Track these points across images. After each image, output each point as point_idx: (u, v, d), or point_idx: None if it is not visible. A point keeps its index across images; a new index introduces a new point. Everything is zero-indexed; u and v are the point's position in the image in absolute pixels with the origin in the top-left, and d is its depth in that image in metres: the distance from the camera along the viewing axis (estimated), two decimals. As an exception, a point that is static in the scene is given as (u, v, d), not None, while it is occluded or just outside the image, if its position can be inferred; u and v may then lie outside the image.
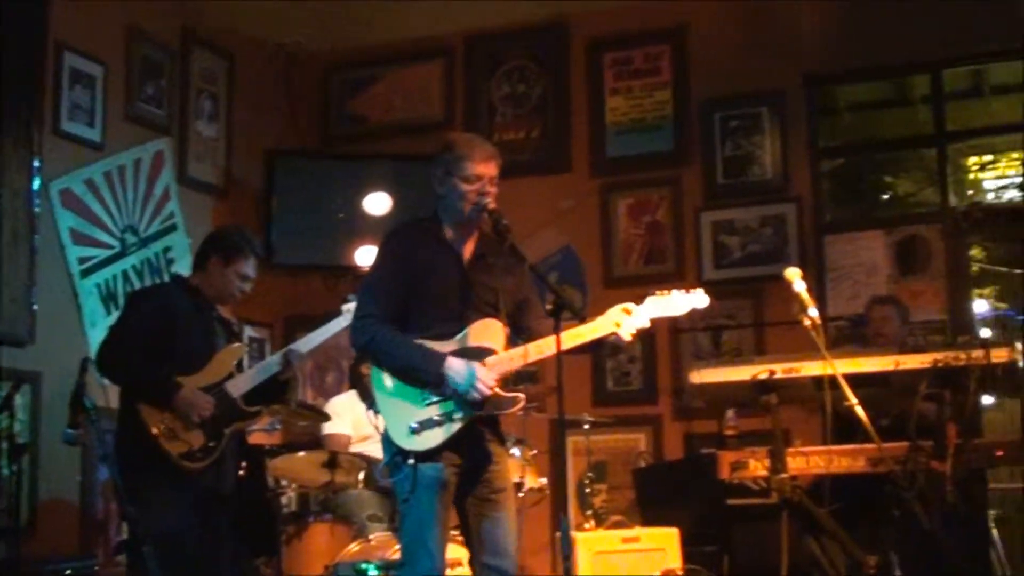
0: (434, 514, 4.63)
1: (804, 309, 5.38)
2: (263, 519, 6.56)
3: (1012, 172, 10.12)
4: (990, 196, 10.32)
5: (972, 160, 10.36)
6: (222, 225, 7.42)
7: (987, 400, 9.38)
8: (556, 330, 4.50)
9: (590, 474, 7.47)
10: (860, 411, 5.21)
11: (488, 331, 4.74)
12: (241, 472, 6.87)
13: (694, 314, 8.09)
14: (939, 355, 5.57)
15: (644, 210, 8.81)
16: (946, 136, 8.54)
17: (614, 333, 4.72)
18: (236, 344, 6.04)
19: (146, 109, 8.35)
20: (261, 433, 7.12)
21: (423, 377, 4.63)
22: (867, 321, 7.07)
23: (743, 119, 8.64)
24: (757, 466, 5.88)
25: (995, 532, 9.03)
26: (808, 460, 5.87)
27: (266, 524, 6.54)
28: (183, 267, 8.25)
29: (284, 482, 6.83)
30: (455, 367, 4.60)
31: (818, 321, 5.33)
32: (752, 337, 8.29)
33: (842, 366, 5.58)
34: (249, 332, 8.97)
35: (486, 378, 4.58)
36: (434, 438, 4.63)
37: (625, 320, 4.73)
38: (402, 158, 9.02)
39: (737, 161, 8.63)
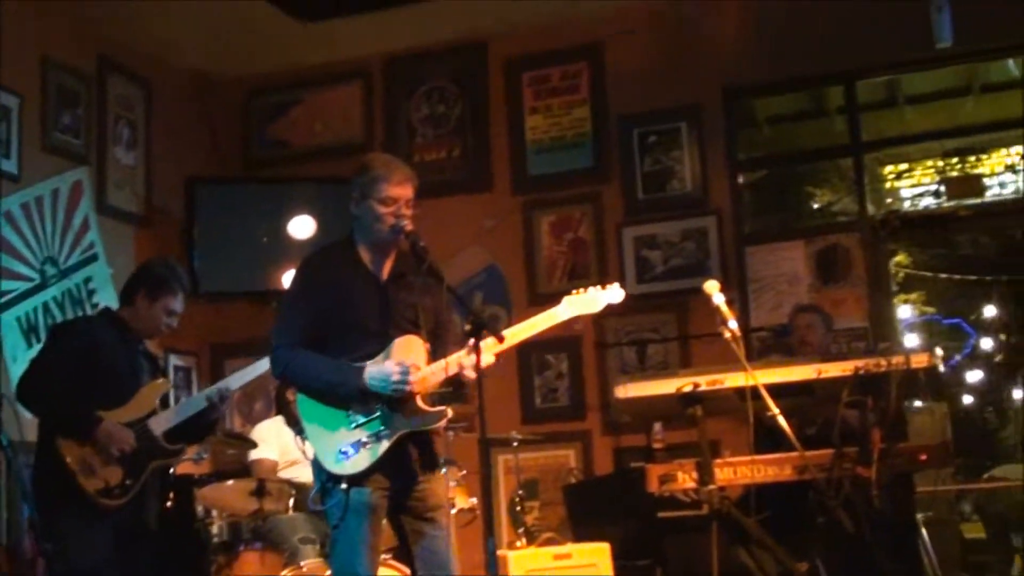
0: (363, 539, 4.64)
1: (724, 321, 5.43)
2: (192, 551, 6.51)
3: (927, 180, 10.30)
4: (907, 204, 10.49)
5: (888, 169, 10.53)
6: (150, 259, 7.28)
7: (916, 404, 9.54)
8: (476, 350, 4.51)
9: (520, 492, 7.48)
10: (782, 421, 5.23)
11: (410, 347, 4.76)
12: (169, 503, 6.87)
13: (619, 329, 8.37)
14: (860, 362, 5.62)
15: (566, 227, 8.85)
16: (861, 146, 8.65)
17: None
18: (161, 380, 5.93)
19: (63, 139, 8.26)
20: (188, 463, 7.06)
21: (345, 392, 4.66)
22: (791, 330, 7.10)
23: (661, 134, 8.71)
24: (685, 478, 5.86)
25: (925, 534, 9.18)
26: (735, 470, 5.85)
27: (195, 556, 6.48)
28: (104, 297, 8.25)
29: (214, 512, 6.80)
30: (374, 371, 4.64)
31: (738, 333, 5.38)
32: (678, 350, 8.34)
33: (765, 376, 5.64)
34: (175, 361, 8.91)
35: (403, 369, 4.61)
36: (363, 460, 4.65)
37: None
38: (324, 181, 8.97)
39: (656, 176, 8.69)
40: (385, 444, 4.66)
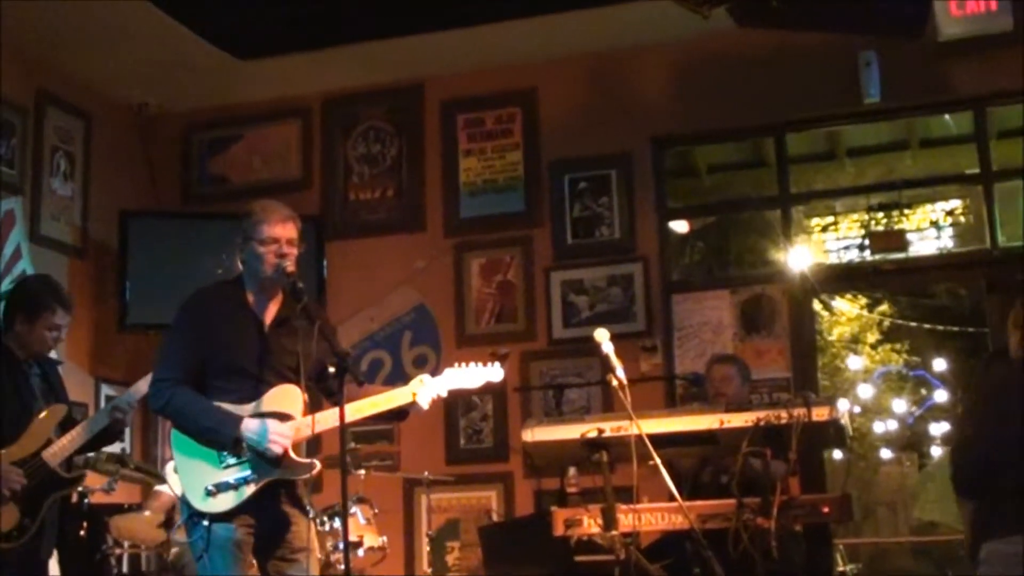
0: (228, 574, 4.68)
1: (612, 369, 5.48)
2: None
3: (853, 233, 10.40)
4: (832, 257, 10.59)
5: (815, 222, 10.63)
6: (23, 279, 7.30)
7: (887, 456, 9.64)
8: (340, 393, 4.61)
9: (429, 532, 7.49)
10: (663, 470, 5.28)
11: (285, 397, 4.85)
12: (82, 532, 6.84)
13: (544, 373, 8.42)
14: (761, 413, 5.66)
15: (496, 269, 8.90)
16: (789, 198, 8.73)
17: (412, 402, 4.87)
18: (55, 406, 5.84)
19: (-5, 168, 8.29)
20: (100, 492, 7.05)
21: (219, 439, 4.72)
22: (707, 380, 7.17)
23: (591, 181, 8.77)
24: (591, 523, 5.91)
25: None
26: (640, 517, 5.86)
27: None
28: None
29: (125, 543, 6.81)
30: (251, 426, 4.70)
31: (624, 382, 5.43)
32: (600, 395, 8.39)
33: (671, 424, 5.74)
34: (106, 391, 8.92)
35: (282, 432, 4.67)
36: (228, 501, 4.74)
37: (422, 391, 4.91)
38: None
39: (586, 222, 8.75)
40: (252, 488, 4.75)
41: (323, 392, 5.07)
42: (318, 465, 4.85)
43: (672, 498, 6.45)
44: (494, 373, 5.13)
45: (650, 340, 8.41)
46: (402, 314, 9.00)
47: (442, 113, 9.23)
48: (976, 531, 5.07)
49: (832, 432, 5.89)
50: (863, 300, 14.47)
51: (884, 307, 14.85)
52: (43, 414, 5.74)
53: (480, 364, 5.15)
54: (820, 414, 5.65)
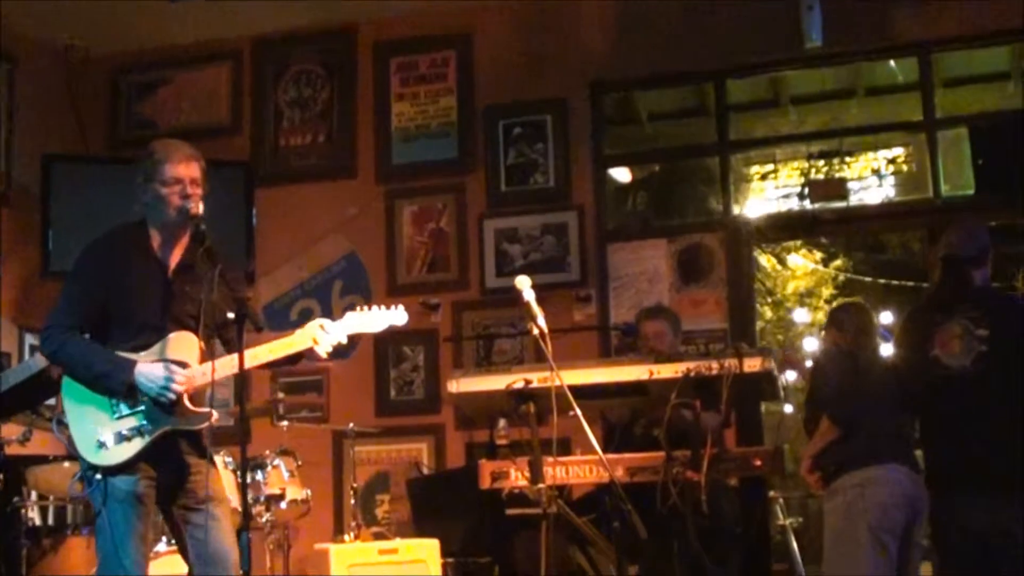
0: (131, 529, 4.53)
1: (533, 318, 5.32)
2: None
3: (793, 181, 10.28)
4: (772, 205, 10.45)
5: (755, 170, 10.49)
6: None
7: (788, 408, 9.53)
8: (239, 339, 4.44)
9: (354, 485, 7.32)
10: (584, 421, 5.14)
11: (181, 344, 4.66)
12: None
13: (477, 323, 8.27)
14: (692, 364, 5.54)
15: (428, 217, 8.70)
16: (727, 145, 8.56)
17: (310, 348, 4.69)
18: None
19: (-88, 111, 8.03)
20: (15, 444, 6.85)
21: (113, 385, 4.54)
22: (637, 333, 7.02)
23: (527, 127, 8.58)
24: (517, 476, 5.78)
25: (793, 541, 9.15)
26: (567, 470, 5.76)
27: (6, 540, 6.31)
28: None
29: (34, 495, 6.63)
30: (144, 371, 4.52)
31: (545, 330, 5.27)
32: (534, 347, 8.20)
33: (598, 375, 5.63)
34: (30, 340, 8.69)
35: (177, 378, 4.50)
36: (123, 452, 4.56)
37: (321, 336, 4.75)
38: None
39: (520, 169, 8.56)
40: (146, 439, 4.57)
41: (223, 341, 4.88)
42: (216, 414, 4.65)
43: (606, 450, 6.42)
44: (397, 316, 4.94)
45: (584, 290, 8.24)
46: (332, 263, 8.80)
47: (375, 56, 8.99)
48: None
49: (765, 384, 5.81)
50: (818, 255, 14.37)
51: (839, 262, 14.78)
52: None
53: (383, 307, 4.93)
54: (752, 365, 5.53)
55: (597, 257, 8.41)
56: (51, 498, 6.70)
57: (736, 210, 8.53)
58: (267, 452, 6.98)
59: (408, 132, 8.83)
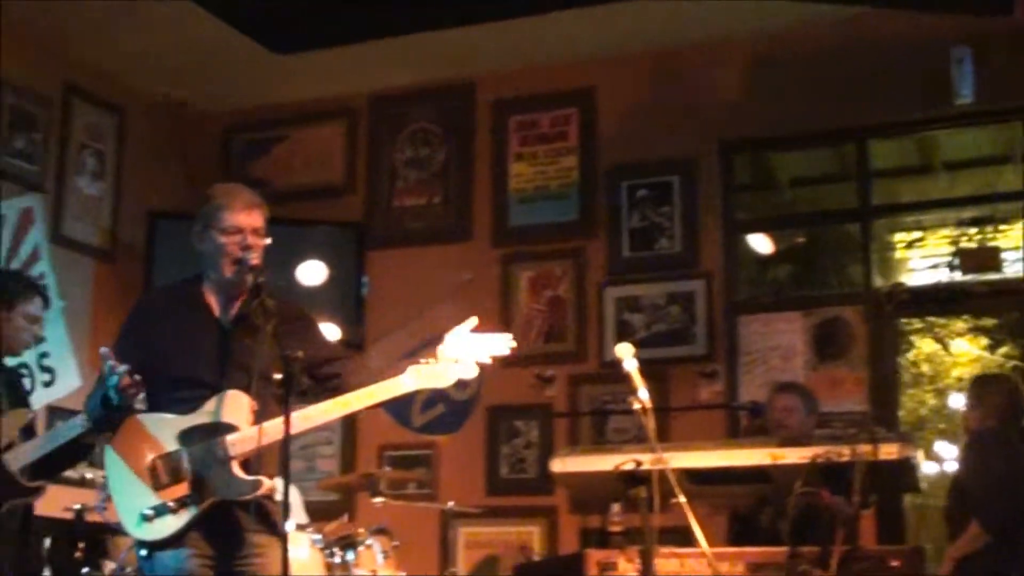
0: None
1: (633, 391, 4.82)
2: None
3: (941, 250, 9.65)
4: (917, 277, 9.81)
5: (899, 237, 9.89)
6: None
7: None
8: (285, 402, 3.96)
9: (453, 570, 6.82)
10: (688, 510, 4.63)
11: (233, 405, 4.19)
12: (78, 554, 6.41)
13: (595, 397, 7.78)
14: (820, 449, 5.03)
15: (546, 284, 8.27)
16: (870, 211, 8.01)
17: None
18: (20, 409, 5.38)
19: (13, 163, 7.84)
20: (95, 512, 6.50)
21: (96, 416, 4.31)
22: (767, 411, 6.45)
23: (652, 188, 8.11)
24: (627, 567, 5.34)
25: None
26: (682, 563, 5.27)
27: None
28: (52, 332, 7.75)
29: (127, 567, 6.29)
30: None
31: (648, 405, 4.76)
32: (655, 423, 7.65)
33: (715, 458, 5.28)
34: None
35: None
36: (168, 526, 4.10)
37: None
38: (301, 223, 8.47)
39: (644, 233, 8.09)
40: (193, 511, 4.10)
41: (320, 383, 4.43)
42: (267, 483, 4.15)
43: (731, 542, 5.90)
44: (466, 370, 4.41)
45: (710, 365, 7.69)
46: (445, 331, 8.31)
47: (494, 114, 8.64)
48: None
49: (903, 474, 5.28)
50: (984, 340, 13.57)
51: (1006, 348, 13.98)
52: (7, 415, 5.27)
53: (452, 361, 4.41)
54: (888, 452, 5.04)
55: (725, 329, 7.88)
56: (128, 569, 6.30)
57: (878, 281, 7.90)
58: (361, 530, 6.51)
59: (526, 193, 8.45)
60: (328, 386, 4.37)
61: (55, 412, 7.56)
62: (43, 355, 7.80)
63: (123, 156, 8.75)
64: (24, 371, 7.67)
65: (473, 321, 4.43)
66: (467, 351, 4.43)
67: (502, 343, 4.46)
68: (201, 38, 8.15)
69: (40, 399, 7.64)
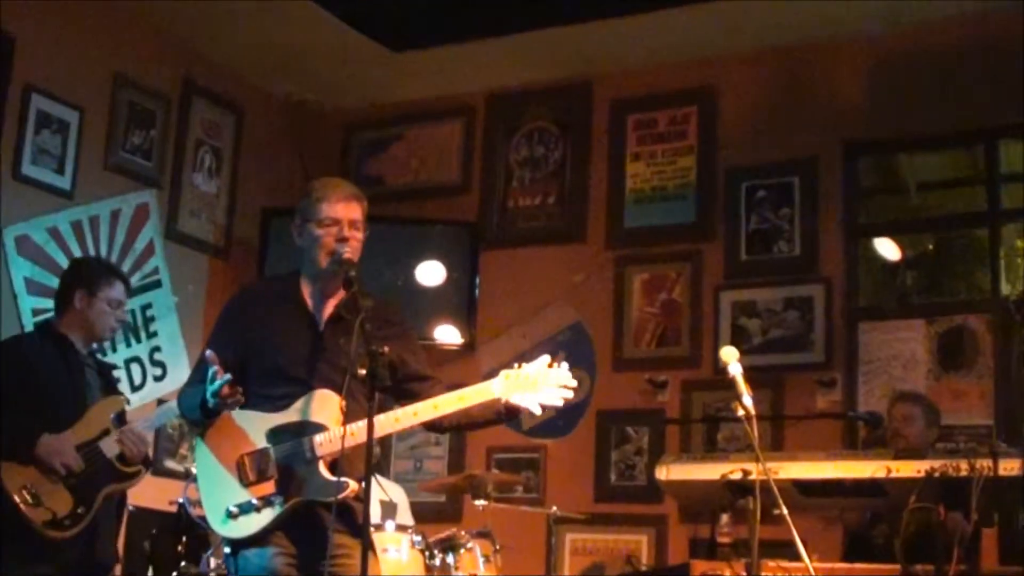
0: None
1: (739, 396, 4.63)
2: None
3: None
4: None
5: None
6: (76, 259, 6.94)
7: None
8: (370, 400, 3.88)
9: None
10: (790, 522, 4.47)
11: (322, 404, 4.13)
12: (180, 548, 6.41)
13: (708, 404, 7.58)
14: (937, 463, 4.85)
15: (660, 287, 8.06)
16: (999, 214, 7.66)
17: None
18: (114, 397, 5.39)
19: (130, 159, 7.90)
20: (198, 507, 6.49)
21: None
22: (886, 421, 6.22)
23: (771, 190, 7.87)
24: (732, 581, 5.15)
25: None
26: (789, 578, 5.09)
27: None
28: (164, 326, 7.94)
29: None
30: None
31: (752, 412, 4.57)
32: (770, 432, 7.43)
33: (827, 470, 5.16)
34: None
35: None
36: (253, 524, 4.06)
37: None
38: (417, 222, 8.54)
39: (762, 236, 7.86)
40: (277, 510, 4.05)
41: (394, 395, 4.34)
42: (352, 485, 4.04)
43: (844, 558, 5.72)
44: (551, 397, 4.17)
45: (828, 373, 7.44)
46: (556, 332, 8.23)
47: (611, 113, 8.46)
48: None
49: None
50: None
51: None
52: (100, 403, 5.29)
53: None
54: (1010, 468, 4.84)
55: (845, 337, 7.61)
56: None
57: (1006, 289, 7.57)
58: (462, 533, 6.39)
59: (643, 194, 8.25)
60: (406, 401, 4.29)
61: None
62: (155, 349, 7.86)
63: (239, 153, 8.78)
64: (135, 365, 7.75)
65: (546, 359, 4.17)
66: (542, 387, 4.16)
67: (556, 396, 4.17)
68: (319, 36, 8.18)
69: (151, 393, 7.73)
